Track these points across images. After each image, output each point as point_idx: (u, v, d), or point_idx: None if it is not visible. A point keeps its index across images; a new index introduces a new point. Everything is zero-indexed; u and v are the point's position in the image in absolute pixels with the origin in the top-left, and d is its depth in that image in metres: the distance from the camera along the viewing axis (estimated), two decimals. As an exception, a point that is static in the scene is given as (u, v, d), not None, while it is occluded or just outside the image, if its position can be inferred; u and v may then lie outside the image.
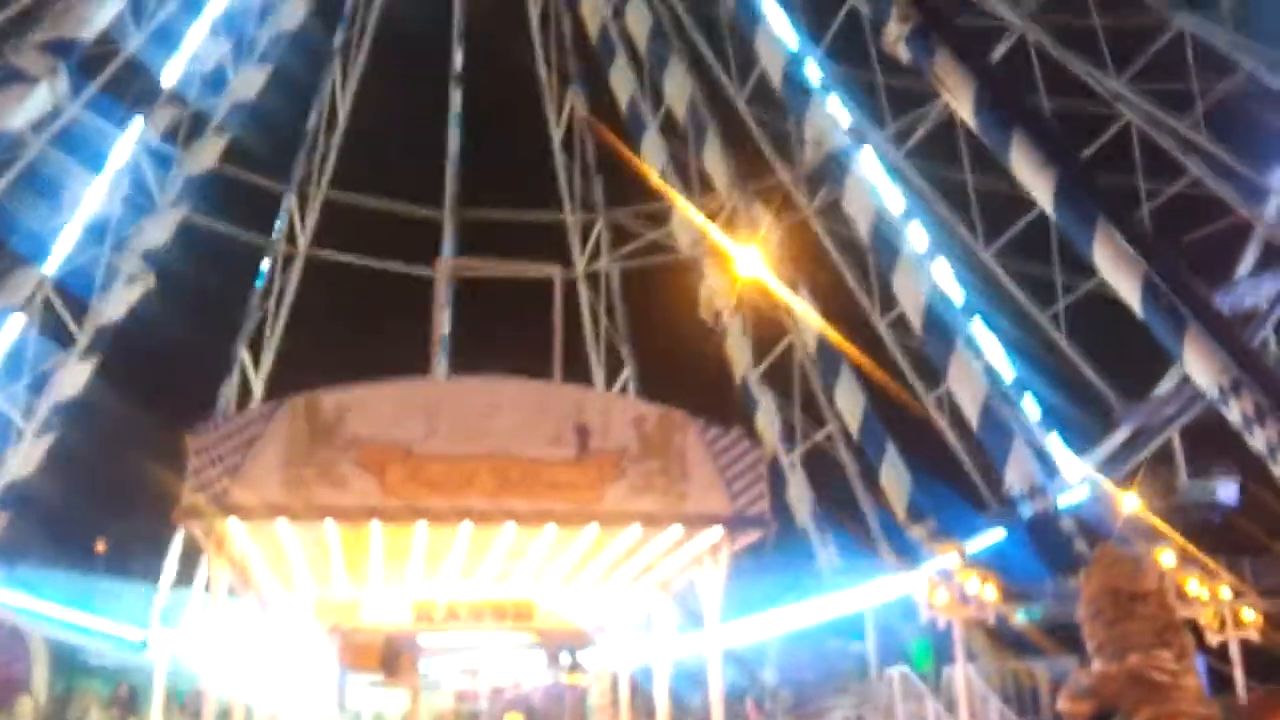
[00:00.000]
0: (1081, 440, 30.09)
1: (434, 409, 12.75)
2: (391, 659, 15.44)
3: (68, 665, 27.50)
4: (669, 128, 34.17)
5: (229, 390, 31.86)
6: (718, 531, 13.49)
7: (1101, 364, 31.05)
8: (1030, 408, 29.70)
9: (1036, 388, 30.56)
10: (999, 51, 31.82)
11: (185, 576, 26.80)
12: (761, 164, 34.68)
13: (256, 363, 32.76)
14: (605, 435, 13.04)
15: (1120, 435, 29.72)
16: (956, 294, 31.24)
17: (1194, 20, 29.80)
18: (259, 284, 33.93)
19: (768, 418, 32.62)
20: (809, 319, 32.26)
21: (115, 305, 30.29)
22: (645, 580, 15.59)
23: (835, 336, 31.46)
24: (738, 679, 28.72)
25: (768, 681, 30.24)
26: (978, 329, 30.69)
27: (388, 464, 12.41)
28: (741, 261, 29.85)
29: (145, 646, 26.39)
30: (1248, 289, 30.27)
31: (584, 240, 36.78)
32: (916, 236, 30.41)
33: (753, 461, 13.58)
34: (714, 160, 32.91)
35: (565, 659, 17.07)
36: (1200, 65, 30.50)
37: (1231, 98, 30.58)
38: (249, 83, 32.52)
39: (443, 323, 32.38)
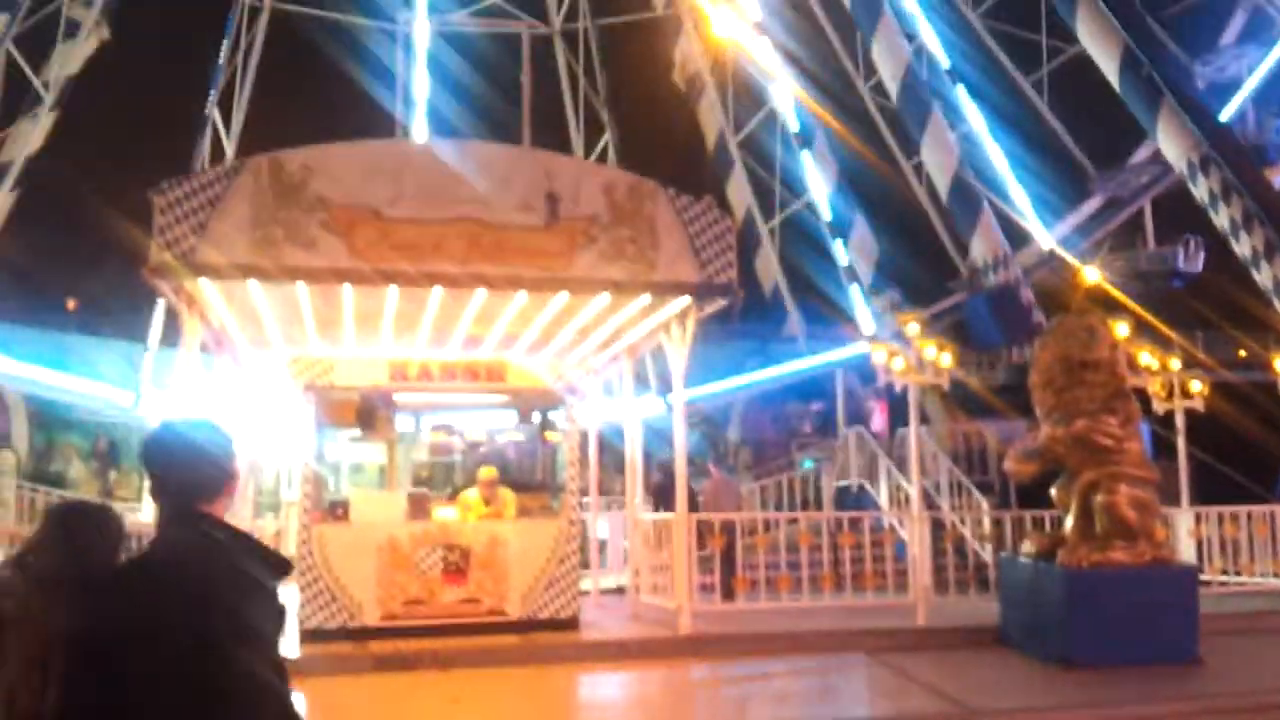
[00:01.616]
0: (1057, 208, 30.41)
1: (401, 172, 12.62)
2: (367, 414, 15.91)
3: (47, 420, 28.14)
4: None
5: (202, 151, 31.12)
6: (685, 299, 13.74)
7: (1082, 132, 30.94)
8: (1006, 175, 29.79)
9: (1015, 155, 30.55)
10: None
11: (169, 337, 27.03)
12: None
13: (227, 123, 31.86)
14: (575, 202, 13.03)
15: (1093, 203, 30.00)
16: (939, 58, 30.68)
17: None
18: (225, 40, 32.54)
19: (739, 186, 32.44)
20: (786, 83, 31.58)
21: (71, 59, 29.16)
22: (614, 345, 15.95)
23: (809, 102, 30.95)
24: (702, 437, 29.92)
25: (731, 439, 31.50)
26: (959, 95, 30.32)
27: (356, 226, 12.38)
28: (718, 21, 28.89)
29: (135, 405, 26.94)
30: (1230, 58, 29.94)
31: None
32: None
33: (721, 231, 13.68)
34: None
35: (536, 417, 17.67)
36: None
37: None
38: None
39: (416, 83, 31.54)
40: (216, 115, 31.57)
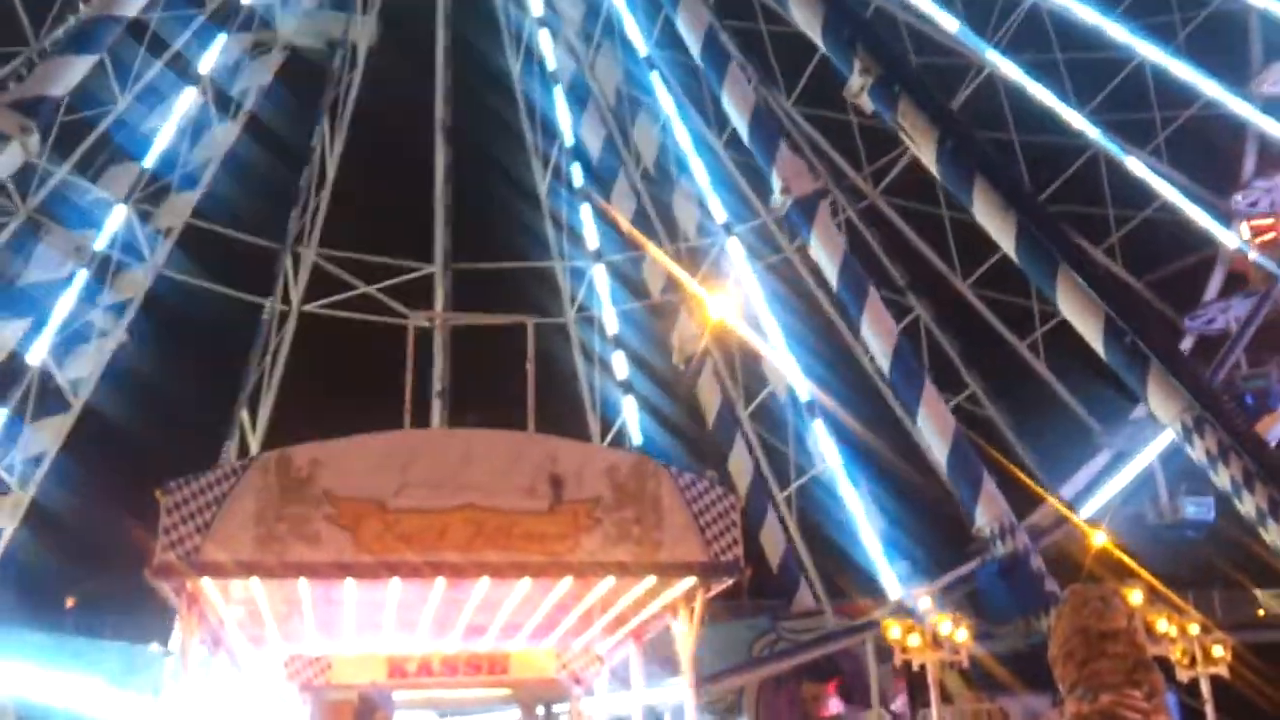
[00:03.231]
0: (1063, 468, 30.71)
1: (407, 462, 12.79)
2: (366, 716, 15.33)
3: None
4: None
5: (231, 452, 31.55)
6: (692, 579, 13.57)
7: (1081, 390, 31.69)
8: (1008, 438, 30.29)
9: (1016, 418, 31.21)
10: (967, 88, 32.95)
11: (161, 636, 26.39)
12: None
13: (254, 422, 32.55)
14: (579, 485, 13.12)
15: (1101, 459, 30.27)
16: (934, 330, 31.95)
17: (1153, 52, 31.14)
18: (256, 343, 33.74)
19: (741, 459, 32.70)
20: (781, 363, 32.51)
21: (85, 363, 30.20)
22: (620, 629, 15.61)
23: (802, 382, 31.72)
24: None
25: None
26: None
27: (361, 519, 12.43)
28: (713, 305, 30.17)
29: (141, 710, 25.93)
30: (1216, 312, 31.24)
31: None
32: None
33: (726, 508, 13.68)
34: (683, 205, 33.33)
35: (540, 711, 17.02)
36: (1160, 95, 31.79)
37: (1191, 126, 31.90)
38: (223, 138, 32.83)
39: (437, 375, 32.63)
40: (244, 415, 32.26)
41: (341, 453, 12.80)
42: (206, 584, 12.29)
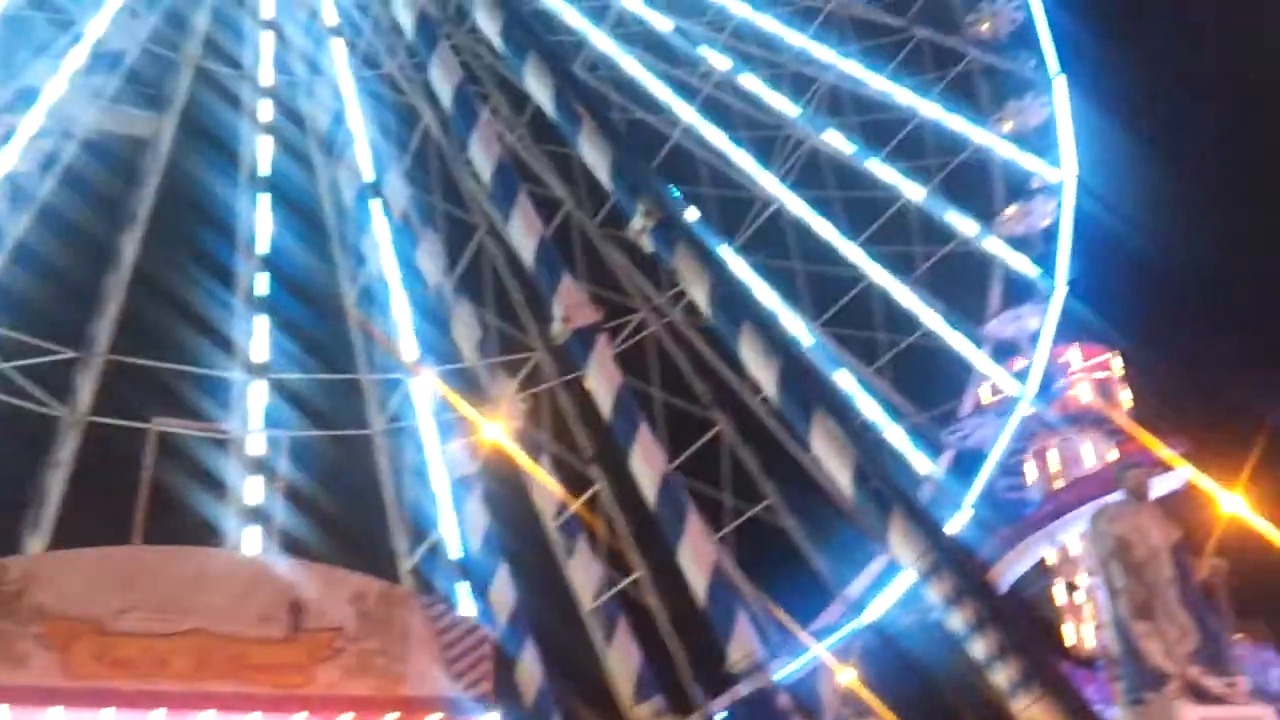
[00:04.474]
0: (804, 614, 31.73)
1: (133, 581, 11.98)
2: None
3: None
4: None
5: None
6: (437, 716, 13.12)
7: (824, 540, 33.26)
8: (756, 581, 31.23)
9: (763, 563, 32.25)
10: (752, 224, 35.29)
11: None
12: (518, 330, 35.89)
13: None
14: (321, 612, 12.61)
15: (837, 608, 31.47)
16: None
17: (917, 192, 34.43)
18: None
19: (504, 589, 32.18)
20: (548, 487, 32.53)
21: None
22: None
23: (572, 503, 31.80)
24: None
25: None
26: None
27: (75, 640, 11.49)
28: (486, 428, 30.03)
29: None
30: (972, 427, 33.80)
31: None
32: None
33: (476, 640, 13.42)
34: (463, 329, 33.32)
35: None
36: (923, 231, 35.04)
37: (945, 260, 35.17)
38: None
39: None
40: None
41: (60, 566, 11.89)
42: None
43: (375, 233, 33.48)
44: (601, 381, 29.38)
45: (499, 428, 30.30)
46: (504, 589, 32.27)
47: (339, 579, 13.86)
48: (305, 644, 12.29)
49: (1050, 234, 35.75)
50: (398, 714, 12.86)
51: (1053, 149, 36.38)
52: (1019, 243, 35.86)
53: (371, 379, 35.01)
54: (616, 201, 34.49)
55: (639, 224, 27.85)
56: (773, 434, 35.43)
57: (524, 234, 30.77)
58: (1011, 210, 36.10)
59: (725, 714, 25.31)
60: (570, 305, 29.94)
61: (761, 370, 26.51)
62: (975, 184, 36.94)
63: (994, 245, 35.58)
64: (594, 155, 29.63)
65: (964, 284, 36.27)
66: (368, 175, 33.52)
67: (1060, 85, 36.84)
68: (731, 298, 26.63)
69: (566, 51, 36.49)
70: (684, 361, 36.84)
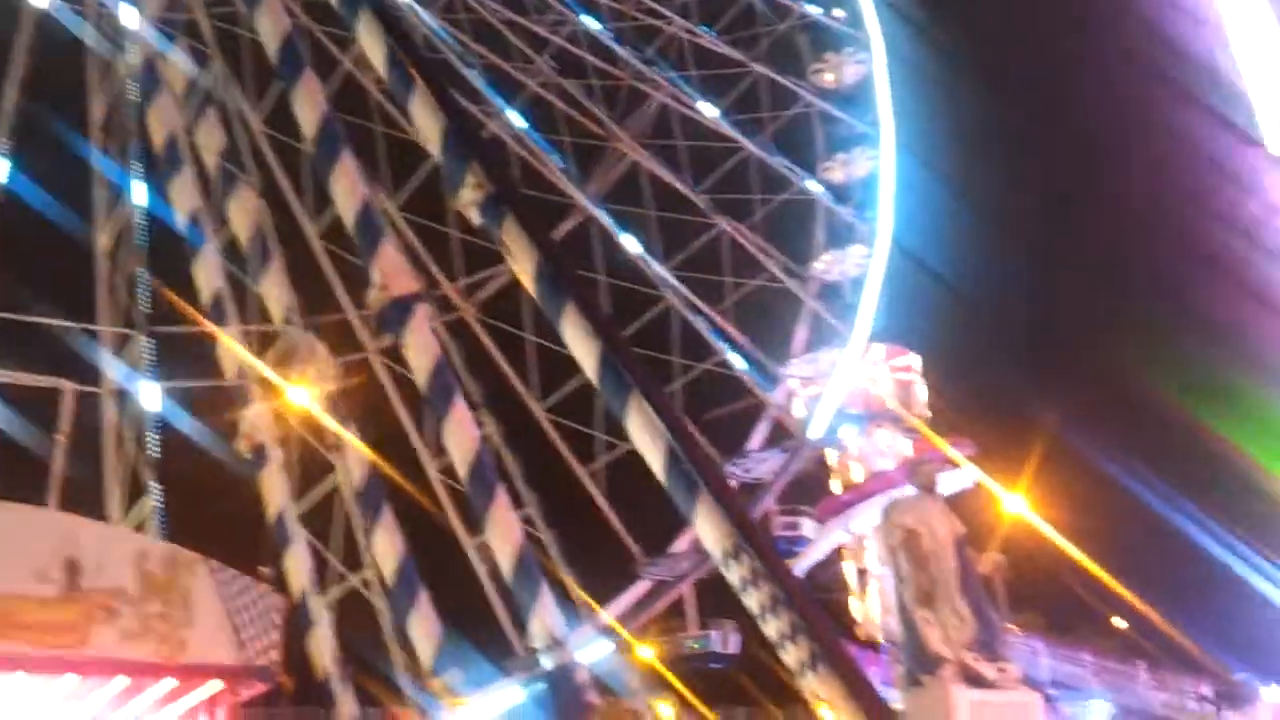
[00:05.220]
0: (608, 592, 32.02)
1: (-115, 532, 10.98)
2: None
3: None
4: (231, 250, 32.94)
5: None
6: (218, 684, 12.59)
7: (635, 521, 33.63)
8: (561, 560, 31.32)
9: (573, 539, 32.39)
10: (565, 226, 34.92)
11: None
12: (330, 298, 34.62)
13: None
14: (99, 572, 11.88)
15: (641, 587, 31.91)
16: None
17: (731, 223, 34.81)
18: None
19: (299, 561, 31.16)
20: (358, 457, 31.68)
21: None
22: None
23: (386, 470, 31.15)
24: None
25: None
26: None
27: None
28: (291, 394, 28.94)
29: None
30: (756, 461, 34.58)
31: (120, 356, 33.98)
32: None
33: (266, 608, 12.94)
34: (272, 289, 31.98)
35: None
36: (734, 262, 35.60)
37: (756, 294, 35.84)
38: None
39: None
40: None
41: None
42: None
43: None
44: (419, 353, 28.81)
45: (306, 393, 29.30)
46: (298, 558, 31.33)
47: (121, 537, 13.14)
48: (81, 604, 11.57)
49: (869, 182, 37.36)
50: (175, 680, 12.28)
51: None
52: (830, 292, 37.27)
53: (105, 330, 33.49)
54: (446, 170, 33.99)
55: (469, 196, 27.34)
56: (541, 444, 35.54)
57: (346, 196, 29.83)
58: (826, 257, 37.47)
59: (529, 687, 25.28)
60: (390, 272, 29.23)
61: (583, 351, 26.47)
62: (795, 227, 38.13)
63: (803, 290, 36.70)
64: (425, 122, 28.92)
65: (771, 323, 37.36)
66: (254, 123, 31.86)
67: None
68: (557, 275, 26.48)
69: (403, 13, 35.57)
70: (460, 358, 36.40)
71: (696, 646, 29.38)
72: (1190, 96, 36.27)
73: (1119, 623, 39.15)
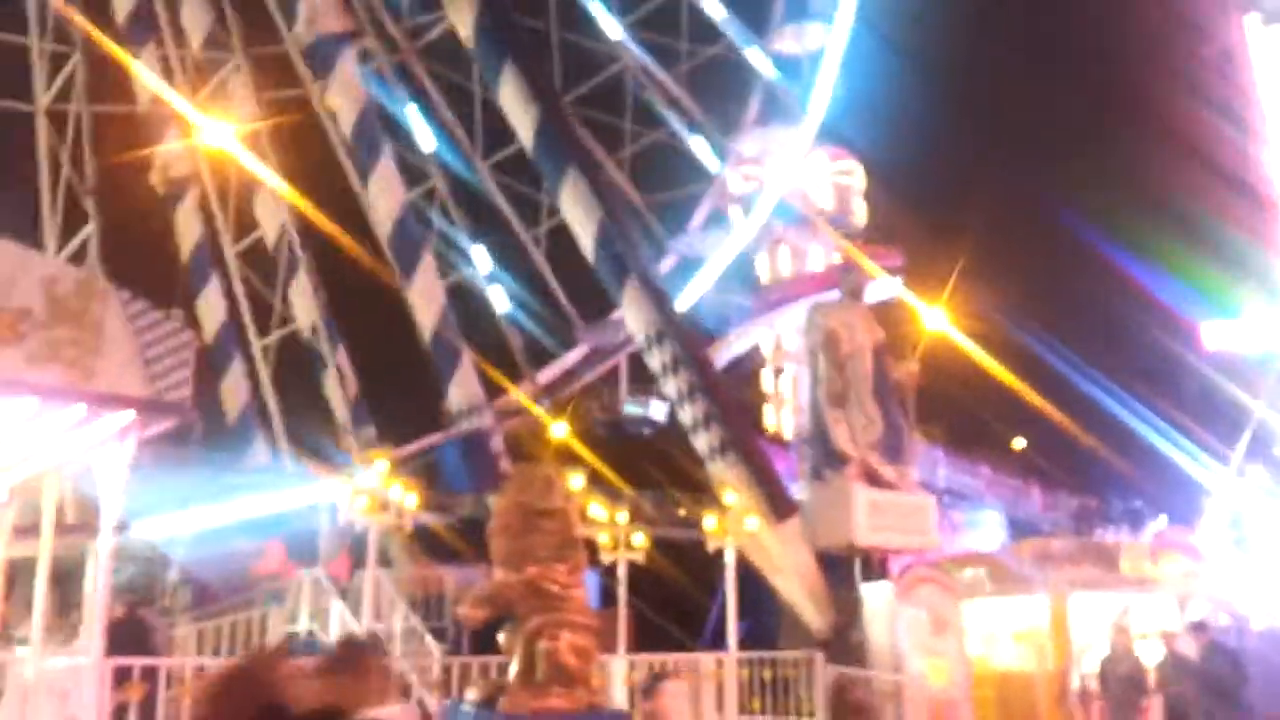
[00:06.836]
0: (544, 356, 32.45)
1: None
2: None
3: None
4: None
5: None
6: (129, 415, 12.28)
7: (575, 288, 33.58)
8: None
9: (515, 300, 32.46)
10: None
11: None
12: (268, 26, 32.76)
13: None
14: (5, 291, 11.31)
15: (578, 352, 32.34)
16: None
17: None
18: None
19: (214, 301, 30.58)
20: (283, 201, 30.67)
21: None
22: (38, 460, 13.84)
23: (318, 219, 30.23)
24: (138, 575, 26.81)
25: (171, 579, 28.56)
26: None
27: None
28: (210, 129, 27.53)
29: None
30: (696, 239, 34.62)
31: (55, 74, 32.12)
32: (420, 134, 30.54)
33: (178, 344, 12.53)
34: (193, 11, 29.93)
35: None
36: (692, 27, 34.35)
37: (712, 65, 34.77)
38: None
39: None
40: None
41: None
42: None
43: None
44: (344, 96, 27.54)
45: (224, 130, 27.89)
46: (212, 301, 30.72)
47: (29, 259, 12.43)
48: (-17, 323, 11.04)
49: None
50: (84, 406, 11.95)
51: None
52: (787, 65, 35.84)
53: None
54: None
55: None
56: (484, 202, 34.77)
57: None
58: (786, 29, 35.84)
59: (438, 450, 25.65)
60: (319, 7, 27.54)
61: (520, 116, 25.53)
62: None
63: (760, 60, 35.23)
64: None
65: (724, 93, 36.01)
66: None
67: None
68: (500, 30, 25.15)
69: None
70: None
71: (636, 412, 30.31)
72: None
73: (1019, 443, 41.01)
